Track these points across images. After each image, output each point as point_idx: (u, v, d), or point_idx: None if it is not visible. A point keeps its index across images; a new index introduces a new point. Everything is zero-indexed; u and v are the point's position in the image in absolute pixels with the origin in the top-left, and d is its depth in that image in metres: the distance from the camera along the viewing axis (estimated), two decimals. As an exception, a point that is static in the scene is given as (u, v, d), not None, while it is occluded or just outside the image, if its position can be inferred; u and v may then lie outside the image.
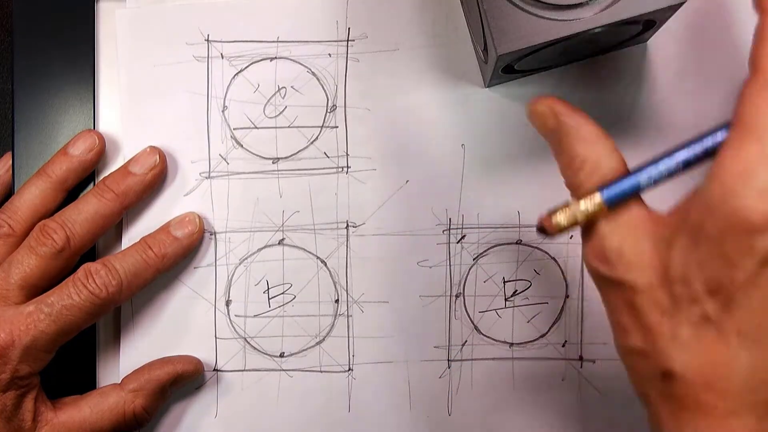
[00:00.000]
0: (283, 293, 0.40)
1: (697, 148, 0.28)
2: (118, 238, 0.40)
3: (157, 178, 0.39)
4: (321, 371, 0.40)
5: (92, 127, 0.40)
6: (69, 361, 0.38)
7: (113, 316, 0.40)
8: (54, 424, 0.35)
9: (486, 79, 0.39)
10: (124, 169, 0.38)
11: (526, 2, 0.32)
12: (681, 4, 0.32)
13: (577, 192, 0.29)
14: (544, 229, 0.30)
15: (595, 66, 0.40)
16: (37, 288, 0.36)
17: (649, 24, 0.35)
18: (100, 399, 0.37)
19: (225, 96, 0.40)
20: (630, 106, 0.39)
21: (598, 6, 0.32)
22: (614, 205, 0.28)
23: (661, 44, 0.39)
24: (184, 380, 0.38)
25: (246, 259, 0.40)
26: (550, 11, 0.32)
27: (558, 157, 0.31)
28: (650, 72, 0.39)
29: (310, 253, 0.40)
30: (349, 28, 0.40)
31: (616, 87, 0.39)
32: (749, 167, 0.25)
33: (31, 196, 0.38)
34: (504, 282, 0.40)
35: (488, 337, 0.39)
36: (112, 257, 0.37)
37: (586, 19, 0.32)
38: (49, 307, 0.34)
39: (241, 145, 0.40)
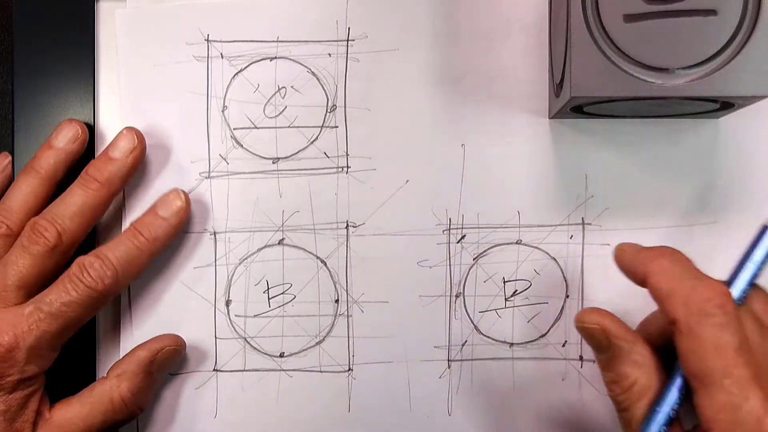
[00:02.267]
0: (283, 293, 0.40)
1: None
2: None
3: (137, 160, 0.38)
4: (321, 371, 0.40)
5: (92, 127, 0.40)
6: (69, 361, 0.38)
7: (113, 316, 0.40)
8: (50, 422, 0.35)
9: (552, 111, 0.38)
10: (105, 155, 0.38)
11: (614, 52, 0.31)
12: (765, 96, 0.32)
13: (621, 407, 0.30)
14: None
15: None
16: (35, 287, 0.36)
17: (726, 105, 0.34)
18: (88, 392, 0.37)
19: (225, 96, 0.40)
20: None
21: (686, 77, 0.31)
22: None
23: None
24: (168, 357, 0.38)
25: (246, 259, 0.40)
26: (637, 68, 0.31)
27: (604, 370, 0.31)
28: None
29: (310, 253, 0.40)
30: (349, 28, 0.40)
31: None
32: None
33: (23, 194, 0.37)
34: (504, 282, 0.40)
35: (488, 337, 0.39)
36: (104, 247, 0.36)
37: (670, 87, 0.31)
38: (48, 305, 0.34)
39: (241, 145, 0.40)
